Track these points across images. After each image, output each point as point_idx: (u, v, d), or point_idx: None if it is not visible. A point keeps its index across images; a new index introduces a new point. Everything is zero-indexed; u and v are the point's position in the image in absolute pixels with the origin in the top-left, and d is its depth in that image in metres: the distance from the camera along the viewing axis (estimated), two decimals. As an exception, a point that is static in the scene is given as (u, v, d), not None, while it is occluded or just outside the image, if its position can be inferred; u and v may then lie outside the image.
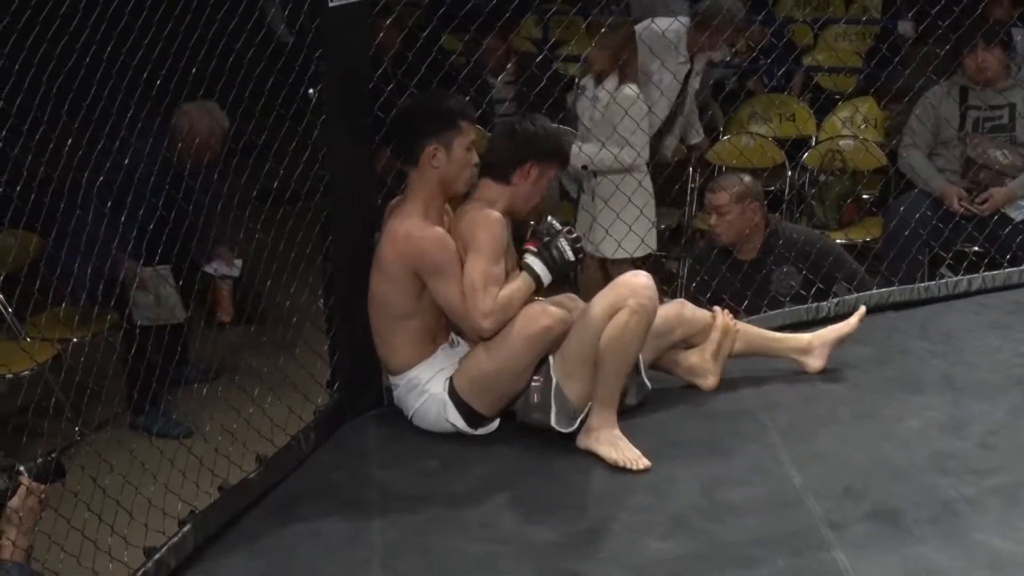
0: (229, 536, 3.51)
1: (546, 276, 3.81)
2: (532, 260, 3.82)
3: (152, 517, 3.54)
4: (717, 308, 4.15)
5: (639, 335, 3.76)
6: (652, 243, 5.60)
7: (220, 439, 3.92)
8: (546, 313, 3.76)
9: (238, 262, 5.48)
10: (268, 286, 4.36)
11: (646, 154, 5.48)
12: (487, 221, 3.77)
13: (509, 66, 6.89)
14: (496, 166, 3.86)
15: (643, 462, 3.68)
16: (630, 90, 5.38)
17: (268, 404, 4.07)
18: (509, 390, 3.82)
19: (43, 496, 3.13)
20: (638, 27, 5.88)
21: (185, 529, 3.43)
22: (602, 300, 3.78)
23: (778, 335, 4.22)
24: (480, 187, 3.89)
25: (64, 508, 3.38)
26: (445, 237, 3.77)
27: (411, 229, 3.77)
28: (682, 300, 4.19)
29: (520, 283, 3.79)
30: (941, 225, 5.52)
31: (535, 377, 3.80)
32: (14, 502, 3.07)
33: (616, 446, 3.72)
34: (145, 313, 5.16)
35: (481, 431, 3.87)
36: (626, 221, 5.20)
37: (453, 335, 3.93)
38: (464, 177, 3.85)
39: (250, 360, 4.54)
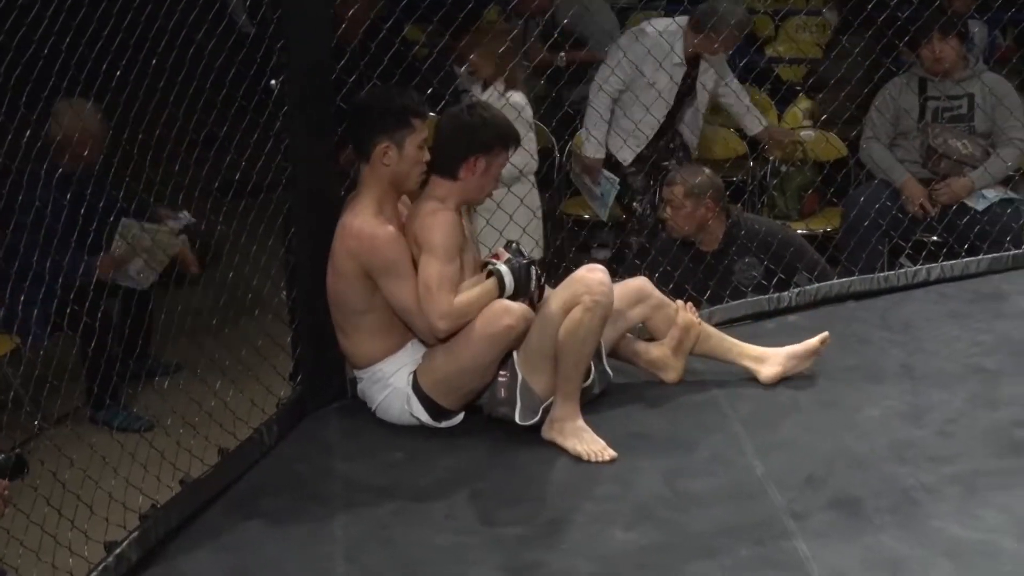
0: (191, 530, 3.50)
1: (510, 288, 3.78)
2: (502, 268, 3.79)
3: (113, 511, 3.52)
4: (680, 302, 4.16)
5: (594, 330, 3.77)
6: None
7: (182, 432, 3.90)
8: (508, 312, 3.74)
9: (183, 214, 5.46)
10: (231, 277, 4.33)
11: (535, 163, 5.39)
12: (439, 222, 3.74)
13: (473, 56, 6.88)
14: (442, 163, 3.83)
15: (608, 453, 3.70)
16: (518, 96, 5.21)
17: (230, 397, 4.06)
18: (473, 386, 3.82)
19: (5, 492, 3.11)
20: (632, 29, 5.82)
21: (146, 523, 3.42)
22: (559, 295, 3.79)
23: (737, 342, 4.20)
24: (430, 184, 3.86)
25: (23, 503, 3.35)
26: (395, 236, 3.75)
27: (362, 226, 3.75)
28: (644, 279, 4.18)
29: (482, 289, 3.77)
30: (900, 215, 5.56)
31: (501, 372, 3.80)
32: None
33: (581, 438, 3.73)
34: (141, 275, 5.21)
35: (445, 424, 3.87)
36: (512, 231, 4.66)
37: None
38: (415, 174, 3.83)
39: (212, 352, 4.51)
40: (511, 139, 3.90)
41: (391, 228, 3.76)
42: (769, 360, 4.13)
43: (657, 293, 4.13)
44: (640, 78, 5.55)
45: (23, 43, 3.34)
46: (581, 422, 3.77)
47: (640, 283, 4.13)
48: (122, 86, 3.71)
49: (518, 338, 3.77)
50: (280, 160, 3.97)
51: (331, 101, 3.99)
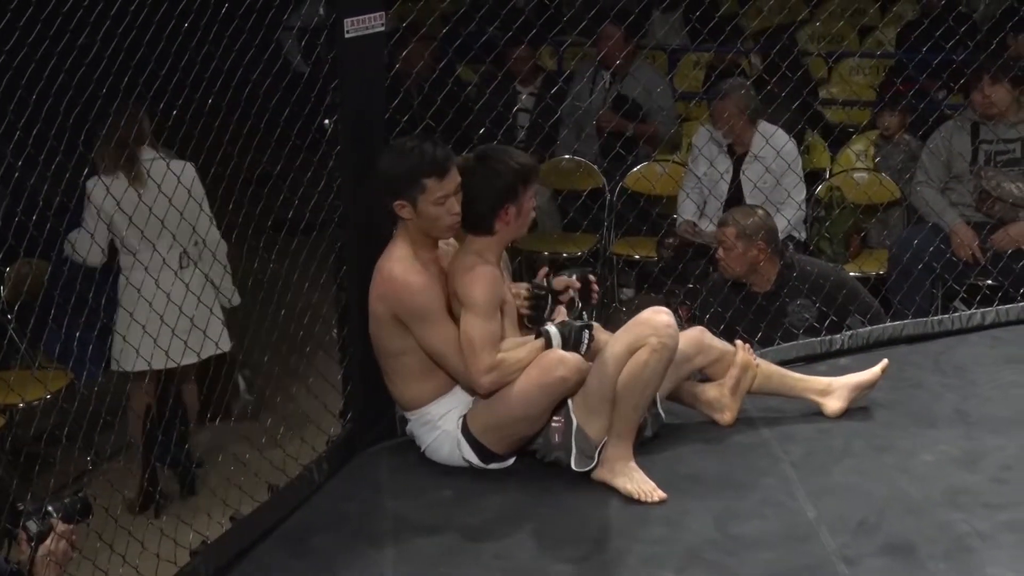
0: (241, 567, 3.50)
1: (558, 343, 3.75)
2: (552, 331, 3.76)
3: (164, 546, 3.54)
4: (739, 342, 4.15)
5: (659, 373, 3.76)
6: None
7: (232, 469, 3.92)
8: (563, 363, 3.70)
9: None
10: (283, 315, 4.35)
11: None
12: (478, 277, 3.71)
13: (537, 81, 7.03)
14: (474, 222, 3.78)
15: (658, 494, 3.68)
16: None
17: (281, 434, 4.07)
18: (524, 433, 3.81)
19: (73, 537, 3.11)
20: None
21: (196, 560, 3.43)
22: (623, 337, 3.77)
23: (798, 375, 4.20)
24: (468, 239, 3.83)
25: (77, 538, 3.37)
26: (426, 284, 3.72)
27: (392, 271, 3.74)
28: (702, 328, 4.17)
29: (528, 350, 3.74)
30: (954, 259, 5.51)
31: (555, 418, 3.78)
32: (47, 544, 3.04)
33: (632, 478, 3.72)
34: None
35: (494, 466, 3.86)
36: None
37: None
38: (440, 227, 3.76)
39: (263, 390, 4.54)
40: (532, 173, 3.83)
41: (422, 277, 3.73)
42: (835, 393, 4.12)
43: (716, 342, 4.12)
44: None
45: (83, 82, 3.40)
46: (633, 463, 3.75)
47: (699, 332, 4.12)
48: (179, 124, 3.76)
49: (571, 389, 3.74)
50: (333, 199, 4.00)
51: (384, 141, 4.02)
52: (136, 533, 3.55)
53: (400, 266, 3.74)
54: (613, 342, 3.77)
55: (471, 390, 3.78)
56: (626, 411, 3.74)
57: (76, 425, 4.78)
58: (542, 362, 3.70)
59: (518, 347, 3.75)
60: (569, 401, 3.77)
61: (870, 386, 4.15)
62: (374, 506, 3.76)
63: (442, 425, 3.84)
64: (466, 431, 3.82)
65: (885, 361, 4.16)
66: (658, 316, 3.78)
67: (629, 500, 3.68)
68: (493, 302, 3.72)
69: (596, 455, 3.76)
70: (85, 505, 3.14)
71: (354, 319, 4.02)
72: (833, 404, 4.11)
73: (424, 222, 3.74)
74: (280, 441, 4.05)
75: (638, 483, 3.70)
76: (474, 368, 3.69)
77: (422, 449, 3.92)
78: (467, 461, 3.84)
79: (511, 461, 3.86)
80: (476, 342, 3.68)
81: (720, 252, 5.05)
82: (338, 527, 3.66)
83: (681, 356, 3.95)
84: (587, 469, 3.77)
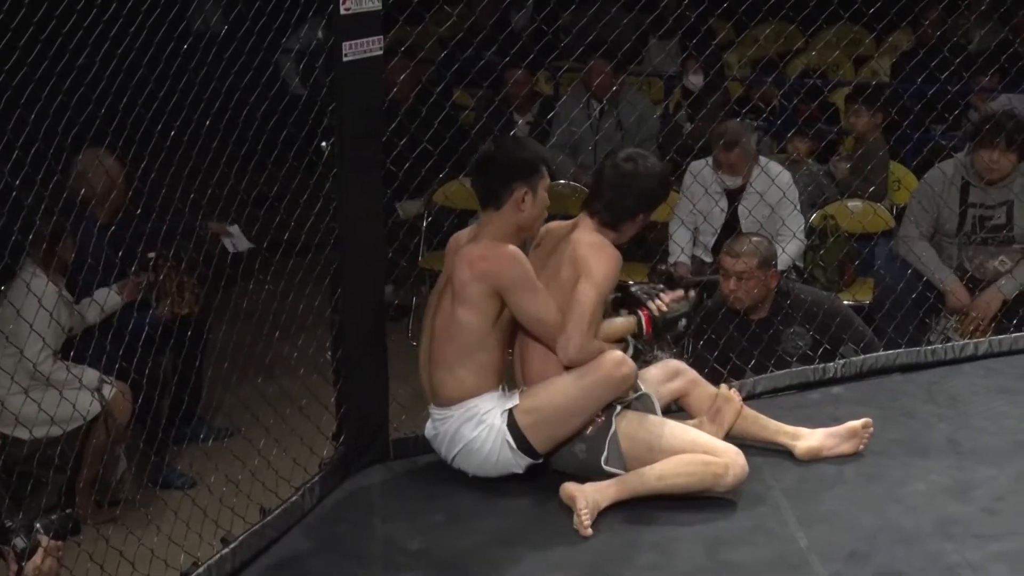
0: (232, 588, 3.50)
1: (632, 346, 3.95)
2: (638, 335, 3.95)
3: (154, 568, 3.53)
4: (724, 386, 4.16)
5: (699, 488, 3.76)
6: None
7: (224, 491, 3.92)
8: (626, 363, 3.82)
9: (233, 228, 5.43)
10: (276, 336, 4.36)
11: None
12: (609, 257, 3.82)
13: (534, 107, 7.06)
14: (606, 209, 3.92)
15: (588, 532, 3.65)
16: None
17: (273, 456, 4.06)
18: (570, 429, 3.83)
19: (61, 554, 3.11)
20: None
21: (188, 581, 3.42)
22: (709, 441, 3.82)
23: (773, 421, 4.15)
24: (585, 223, 3.93)
25: (67, 558, 3.36)
26: (519, 253, 3.80)
27: (485, 249, 3.81)
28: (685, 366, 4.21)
29: (621, 322, 3.92)
30: (941, 306, 5.47)
31: (599, 414, 3.83)
32: (35, 560, 3.04)
33: (589, 506, 3.68)
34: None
35: (527, 463, 3.85)
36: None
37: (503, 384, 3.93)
38: (543, 218, 3.92)
39: (255, 411, 4.53)
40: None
41: (512, 247, 3.81)
42: (804, 436, 4.09)
43: (693, 371, 4.13)
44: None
45: (81, 102, 3.41)
46: (603, 506, 3.73)
47: (677, 363, 4.17)
48: (176, 146, 3.76)
49: (625, 391, 3.85)
50: (329, 221, 4.01)
51: (381, 163, 4.03)
52: (127, 554, 3.55)
53: (490, 243, 3.82)
54: (705, 437, 3.85)
55: (558, 352, 3.80)
56: (648, 483, 3.75)
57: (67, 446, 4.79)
58: (605, 359, 3.79)
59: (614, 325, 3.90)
60: (616, 406, 3.82)
61: (847, 437, 4.07)
62: (365, 529, 3.76)
63: (488, 420, 3.83)
64: (512, 425, 3.82)
65: (867, 420, 4.10)
66: (740, 458, 3.78)
67: (621, 526, 3.68)
68: (611, 283, 3.83)
69: (624, 468, 3.78)
70: (72, 523, 3.14)
71: (347, 341, 4.03)
72: (803, 444, 4.06)
73: (536, 210, 3.86)
74: (272, 463, 4.04)
75: (589, 513, 3.67)
76: (575, 336, 3.75)
77: (455, 450, 3.89)
78: (505, 462, 3.83)
79: (539, 460, 3.87)
80: (587, 314, 3.75)
81: (731, 283, 4.97)
82: (329, 550, 3.66)
83: (663, 376, 4.05)
84: (614, 471, 3.78)
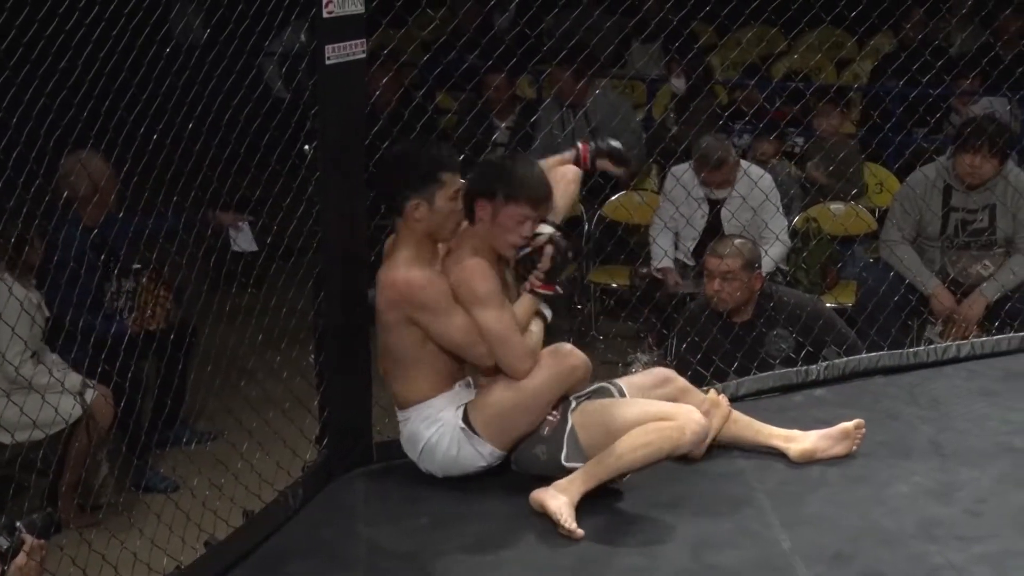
0: (215, 592, 3.49)
1: (549, 315, 3.88)
2: (543, 306, 3.86)
3: (137, 572, 3.52)
4: (713, 391, 4.16)
5: (660, 456, 3.73)
6: None
7: (207, 494, 3.91)
8: (574, 353, 3.81)
9: (243, 224, 5.33)
10: (259, 339, 4.35)
11: None
12: (471, 271, 3.74)
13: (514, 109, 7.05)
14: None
15: (578, 533, 3.64)
16: None
17: (256, 459, 4.06)
18: (523, 425, 3.81)
19: (44, 553, 3.10)
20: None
21: (171, 584, 3.41)
22: (660, 407, 3.79)
23: (765, 424, 4.16)
24: (460, 235, 3.85)
25: (49, 562, 3.34)
26: (431, 278, 3.75)
27: (396, 275, 3.76)
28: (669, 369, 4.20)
29: (536, 327, 3.83)
30: (923, 308, 5.48)
31: (552, 412, 3.82)
32: (19, 560, 3.03)
33: (563, 508, 3.67)
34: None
35: (488, 456, 3.84)
36: None
37: (469, 376, 3.92)
38: (450, 226, 3.81)
39: (239, 414, 4.52)
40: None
41: (427, 271, 3.76)
42: (798, 439, 4.10)
43: (682, 379, 4.12)
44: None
45: (63, 107, 3.40)
46: (574, 504, 3.70)
47: (666, 371, 4.15)
48: (159, 149, 3.75)
49: (577, 382, 3.82)
50: (311, 224, 4.00)
51: (364, 167, 4.02)
52: (109, 557, 3.54)
53: (403, 268, 3.76)
54: (649, 403, 3.82)
55: (489, 373, 3.79)
56: (611, 464, 3.73)
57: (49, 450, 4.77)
58: (555, 351, 3.79)
59: (521, 314, 3.81)
60: (572, 400, 3.81)
61: (839, 438, 4.07)
62: (349, 533, 3.75)
63: (443, 417, 3.83)
64: (466, 421, 3.81)
65: (860, 420, 4.10)
66: (695, 415, 3.75)
67: (605, 528, 3.68)
68: (495, 290, 3.75)
69: (585, 461, 3.76)
70: (52, 520, 3.13)
71: (330, 344, 4.02)
72: (797, 447, 4.07)
73: (436, 220, 3.77)
74: (255, 466, 4.03)
75: (566, 516, 3.65)
76: (514, 357, 3.73)
77: (417, 453, 3.89)
78: (468, 456, 3.82)
79: (502, 455, 3.85)
80: (501, 331, 3.72)
81: (716, 284, 4.98)
82: (313, 554, 3.65)
83: (651, 383, 4.00)
84: (576, 466, 3.76)
